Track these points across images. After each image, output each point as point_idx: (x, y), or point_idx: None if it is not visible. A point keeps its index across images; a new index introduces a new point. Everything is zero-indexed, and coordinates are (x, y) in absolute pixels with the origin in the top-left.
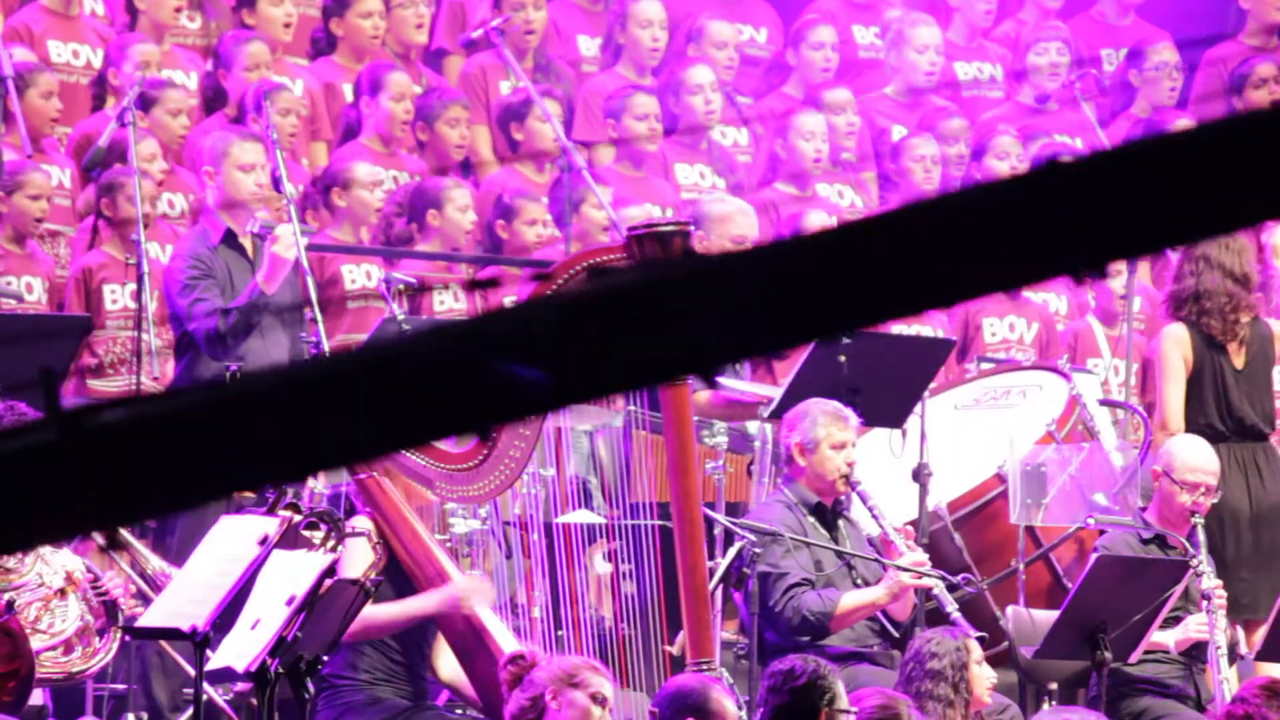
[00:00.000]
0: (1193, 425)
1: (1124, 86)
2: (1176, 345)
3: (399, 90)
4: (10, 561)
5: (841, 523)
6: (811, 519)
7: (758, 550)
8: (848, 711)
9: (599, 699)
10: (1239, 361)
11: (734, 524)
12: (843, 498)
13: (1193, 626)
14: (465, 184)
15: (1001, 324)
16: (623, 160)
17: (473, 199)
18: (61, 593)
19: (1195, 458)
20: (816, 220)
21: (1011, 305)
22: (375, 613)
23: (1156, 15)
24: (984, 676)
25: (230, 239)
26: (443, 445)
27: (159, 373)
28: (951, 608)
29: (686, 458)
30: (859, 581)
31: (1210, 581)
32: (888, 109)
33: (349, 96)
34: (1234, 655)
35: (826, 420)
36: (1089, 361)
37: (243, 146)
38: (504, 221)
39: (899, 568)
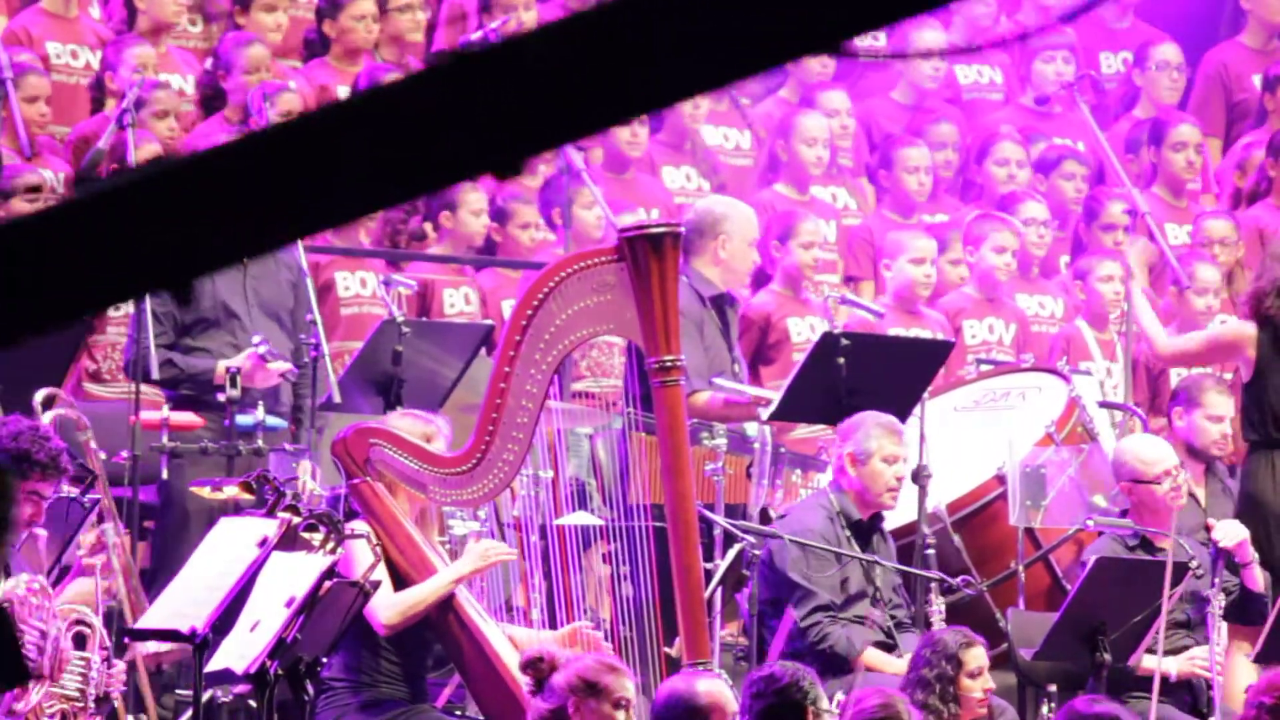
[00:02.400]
0: (1247, 429)
1: (1127, 88)
2: (1240, 339)
3: None
4: None
5: (875, 538)
6: (848, 532)
7: (756, 552)
8: (829, 713)
9: (622, 704)
10: None
11: (734, 526)
12: (881, 513)
13: (1198, 660)
14: (479, 188)
15: (981, 325)
16: (607, 163)
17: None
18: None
19: (1150, 451)
20: (810, 225)
21: (990, 307)
22: (412, 595)
23: (1155, 17)
24: (976, 688)
25: None
26: (436, 450)
27: (158, 375)
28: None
29: (681, 459)
30: (877, 600)
31: (1215, 607)
32: (889, 112)
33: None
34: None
35: (881, 433)
36: (1080, 365)
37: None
38: (497, 225)
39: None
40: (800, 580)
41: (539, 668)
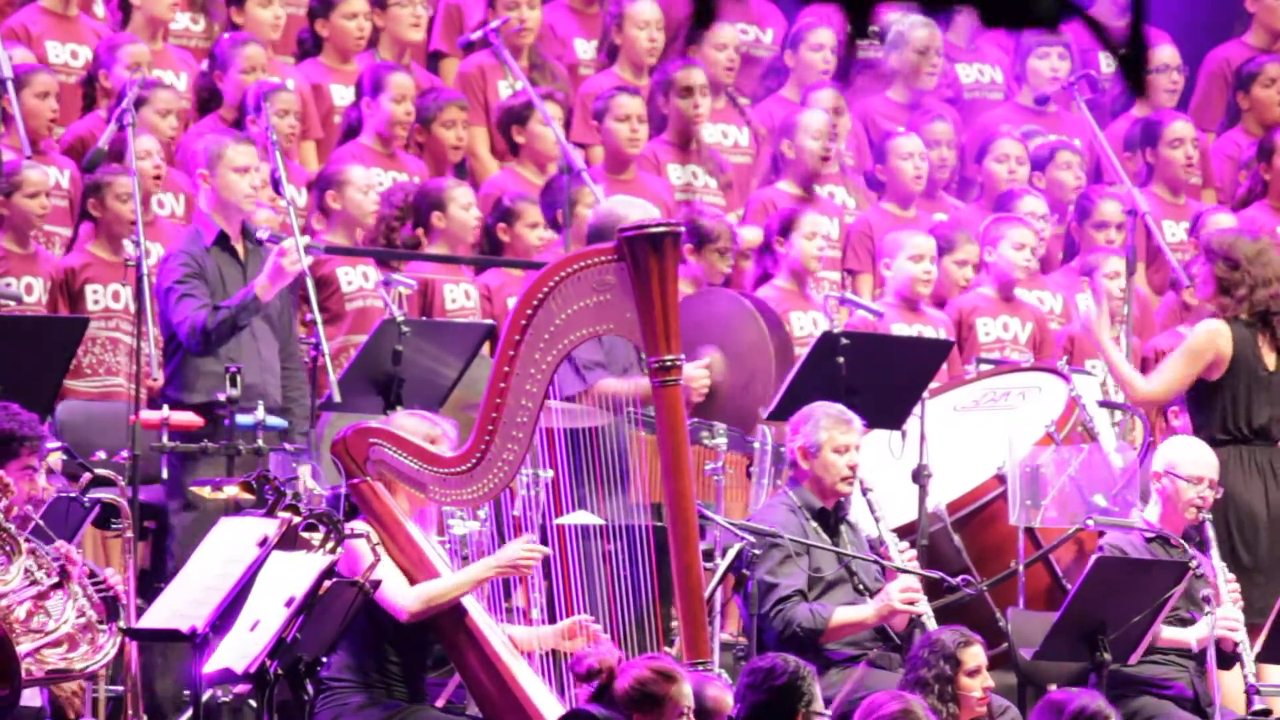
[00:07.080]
0: (1214, 425)
1: (1124, 86)
2: (1216, 337)
3: (400, 91)
4: None
5: (843, 527)
6: (814, 523)
7: (757, 552)
8: (822, 714)
9: (684, 713)
10: (1270, 363)
11: (733, 525)
12: (844, 500)
13: (1215, 624)
14: (464, 183)
15: (995, 323)
16: (607, 162)
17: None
18: (58, 585)
19: (1198, 453)
20: (812, 218)
21: (1005, 305)
22: (437, 586)
23: (1155, 17)
24: (976, 687)
25: (223, 241)
26: (437, 449)
27: (157, 375)
28: (932, 625)
29: (680, 458)
30: (860, 588)
31: (1221, 580)
32: (888, 111)
33: (335, 98)
34: (1228, 660)
35: (830, 423)
36: (1085, 363)
37: (237, 149)
38: (504, 224)
39: (901, 569)
40: (765, 578)
41: (599, 676)
